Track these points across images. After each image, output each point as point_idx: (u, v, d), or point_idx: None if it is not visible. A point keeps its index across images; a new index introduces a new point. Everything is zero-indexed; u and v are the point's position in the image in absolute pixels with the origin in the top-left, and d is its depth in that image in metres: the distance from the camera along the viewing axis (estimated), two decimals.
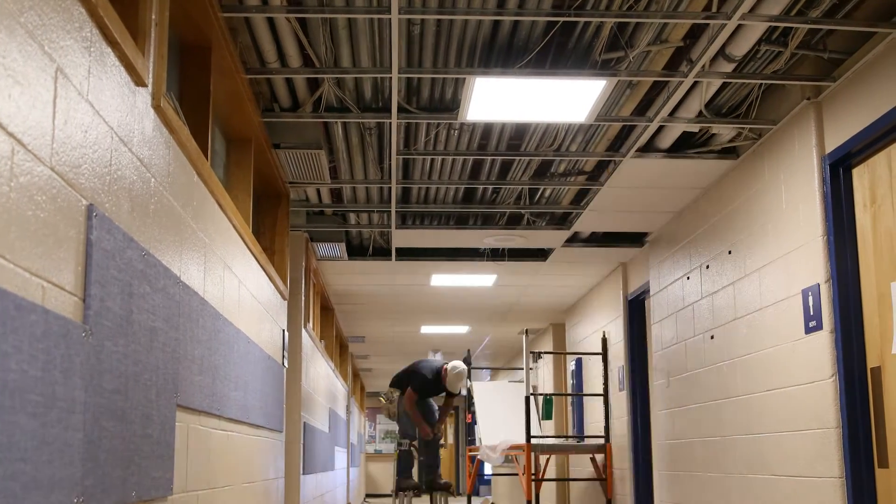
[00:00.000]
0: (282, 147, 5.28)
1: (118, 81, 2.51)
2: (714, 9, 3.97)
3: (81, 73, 2.21)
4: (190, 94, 3.85)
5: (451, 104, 5.01)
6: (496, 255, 8.19)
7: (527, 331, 9.11)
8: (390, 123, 5.14)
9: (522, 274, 8.97)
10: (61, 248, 2.07)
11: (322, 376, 8.98)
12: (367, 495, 23.61)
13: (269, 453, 5.21)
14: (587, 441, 9.10)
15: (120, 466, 2.44)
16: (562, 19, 4.06)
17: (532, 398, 8.74)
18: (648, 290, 7.53)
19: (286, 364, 5.95)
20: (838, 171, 4.48)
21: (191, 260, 3.32)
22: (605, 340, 8.83)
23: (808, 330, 4.61)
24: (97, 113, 2.33)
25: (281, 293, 5.75)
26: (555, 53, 4.47)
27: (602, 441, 8.79)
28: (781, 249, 4.92)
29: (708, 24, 4.09)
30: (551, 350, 11.52)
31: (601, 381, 8.95)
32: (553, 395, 9.42)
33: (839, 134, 4.43)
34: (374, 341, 13.69)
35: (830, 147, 4.51)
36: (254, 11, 3.97)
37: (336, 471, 10.95)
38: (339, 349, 12.56)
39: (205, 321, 3.48)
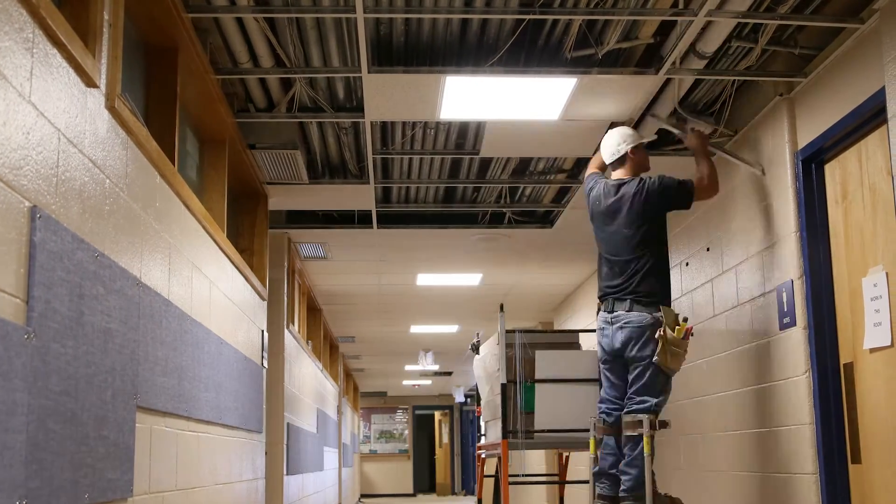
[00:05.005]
0: (257, 147, 5.26)
1: (66, 83, 2.50)
2: (681, 5, 3.96)
3: (22, 75, 2.20)
4: (157, 95, 3.84)
5: None
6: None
7: (501, 305, 7.02)
8: (364, 123, 5.13)
9: (508, 273, 8.96)
10: (1, 250, 2.06)
11: (308, 376, 8.96)
12: (363, 495, 23.62)
13: (246, 454, 5.20)
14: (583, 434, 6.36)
15: (70, 468, 2.43)
16: (529, 17, 4.05)
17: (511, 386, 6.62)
18: None
19: (266, 365, 5.94)
20: (811, 168, 4.48)
21: (153, 261, 3.31)
22: None
23: (783, 326, 4.60)
24: (41, 114, 2.32)
25: (259, 294, 5.73)
26: (527, 51, 4.46)
27: None
28: (756, 246, 4.91)
29: (676, 21, 4.08)
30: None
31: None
32: (536, 381, 6.56)
33: (811, 130, 4.43)
34: (365, 341, 13.67)
35: (803, 143, 4.50)
36: (220, 12, 3.96)
37: (326, 471, 10.94)
38: (329, 349, 12.55)
39: (169, 322, 3.47)
